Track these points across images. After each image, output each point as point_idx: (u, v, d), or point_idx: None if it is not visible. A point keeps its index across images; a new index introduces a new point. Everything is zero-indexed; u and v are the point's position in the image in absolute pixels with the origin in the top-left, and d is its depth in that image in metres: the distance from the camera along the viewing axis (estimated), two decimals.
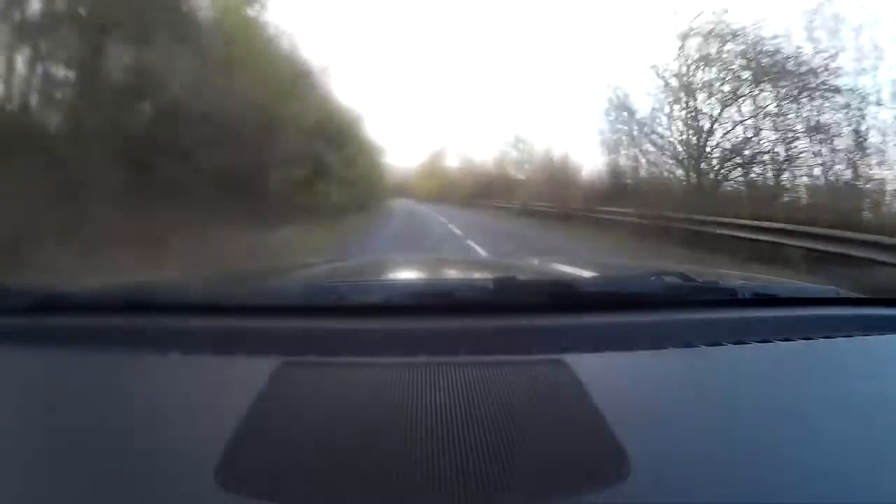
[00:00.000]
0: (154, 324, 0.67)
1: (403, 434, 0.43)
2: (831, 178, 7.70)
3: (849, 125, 7.52)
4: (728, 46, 9.22)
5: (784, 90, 8.31)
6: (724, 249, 6.59)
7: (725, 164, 9.26)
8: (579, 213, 11.93)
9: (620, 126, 11.91)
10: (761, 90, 8.76)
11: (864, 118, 7.41)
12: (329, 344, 0.60)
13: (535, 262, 1.42)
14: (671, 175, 10.37)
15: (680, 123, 10.00)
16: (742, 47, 8.99)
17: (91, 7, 5.54)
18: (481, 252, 7.10)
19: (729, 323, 0.68)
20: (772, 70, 8.46)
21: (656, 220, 8.37)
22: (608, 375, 0.55)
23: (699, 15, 9.49)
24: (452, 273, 1.29)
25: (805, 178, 8.22)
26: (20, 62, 5.36)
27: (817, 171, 7.98)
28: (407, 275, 1.23)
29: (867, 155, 7.28)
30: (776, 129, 8.45)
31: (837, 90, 7.66)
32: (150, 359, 0.59)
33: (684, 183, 9.82)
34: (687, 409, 0.51)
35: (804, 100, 8.04)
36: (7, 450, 0.45)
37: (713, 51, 9.41)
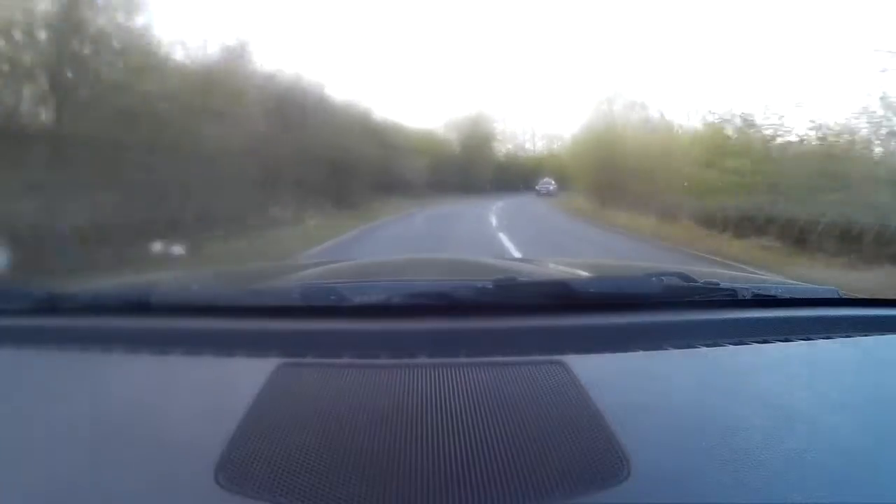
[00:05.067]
0: (154, 324, 0.67)
1: (403, 435, 0.43)
2: None
3: None
4: None
5: None
6: None
7: None
8: None
9: None
10: None
11: None
12: (328, 345, 0.60)
13: (535, 262, 1.42)
14: None
15: None
16: None
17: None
18: None
19: (728, 323, 0.68)
20: None
21: None
22: (608, 376, 0.55)
23: None
24: (452, 274, 1.29)
25: None
26: None
27: None
28: (406, 275, 1.23)
29: None
30: None
31: None
32: (150, 359, 0.59)
33: None
34: (686, 409, 0.51)
35: None
36: (8, 450, 0.45)
37: None
